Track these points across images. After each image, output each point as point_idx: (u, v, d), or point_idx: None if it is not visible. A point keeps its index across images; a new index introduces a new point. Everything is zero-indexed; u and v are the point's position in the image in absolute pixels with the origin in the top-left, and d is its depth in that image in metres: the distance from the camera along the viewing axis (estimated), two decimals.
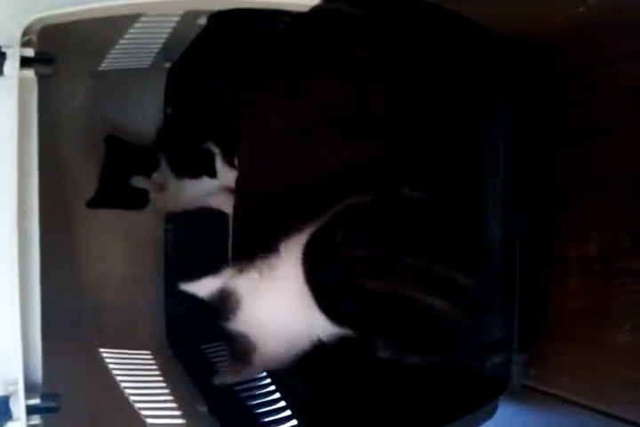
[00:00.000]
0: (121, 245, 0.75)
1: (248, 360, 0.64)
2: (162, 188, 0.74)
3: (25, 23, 0.40)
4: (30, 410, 0.40)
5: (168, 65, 0.75)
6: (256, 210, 0.70)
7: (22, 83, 0.40)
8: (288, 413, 0.67)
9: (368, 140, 0.68)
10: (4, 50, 0.40)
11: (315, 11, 0.48)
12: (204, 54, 0.71)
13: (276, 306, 0.61)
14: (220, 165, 0.76)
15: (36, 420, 0.40)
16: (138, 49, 0.64)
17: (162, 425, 0.60)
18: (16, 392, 0.39)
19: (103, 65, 0.65)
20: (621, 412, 0.50)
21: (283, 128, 0.69)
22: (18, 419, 0.39)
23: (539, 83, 0.58)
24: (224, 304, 0.64)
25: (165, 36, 0.60)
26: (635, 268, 0.49)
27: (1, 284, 0.40)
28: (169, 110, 0.78)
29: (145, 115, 0.76)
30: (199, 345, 0.78)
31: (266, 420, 0.66)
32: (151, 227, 0.78)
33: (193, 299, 0.76)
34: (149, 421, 0.59)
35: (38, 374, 0.41)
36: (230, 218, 0.75)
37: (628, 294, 0.49)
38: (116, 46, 0.60)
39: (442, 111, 0.65)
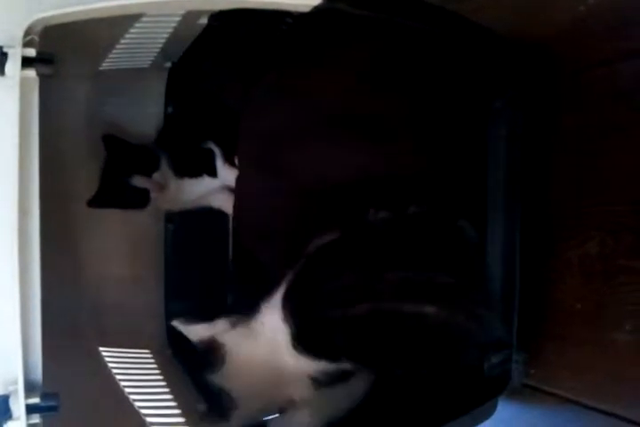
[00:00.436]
0: (121, 245, 0.75)
1: (226, 418, 0.62)
2: (162, 187, 0.74)
3: (27, 23, 0.40)
4: (30, 409, 0.40)
5: (169, 65, 0.75)
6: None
7: (24, 83, 0.40)
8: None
9: (368, 141, 0.68)
10: (5, 50, 0.40)
11: (316, 11, 0.48)
12: (205, 54, 0.71)
13: (262, 365, 0.61)
14: (220, 164, 0.76)
15: (36, 419, 0.40)
16: (139, 49, 0.64)
17: (162, 424, 0.60)
18: (16, 392, 0.39)
19: (104, 65, 0.65)
20: (621, 411, 0.50)
21: (283, 128, 0.70)
22: (18, 418, 0.39)
23: (539, 83, 0.58)
24: (213, 355, 0.64)
25: (166, 35, 0.60)
26: (635, 267, 0.49)
27: (1, 283, 0.40)
28: (170, 110, 0.78)
29: (146, 114, 0.76)
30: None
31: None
32: (151, 226, 0.78)
33: (193, 299, 0.76)
34: (149, 420, 0.59)
35: (38, 373, 0.41)
36: (230, 217, 0.75)
37: (628, 294, 0.49)
38: (117, 46, 0.60)
39: (443, 111, 0.65)
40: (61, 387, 0.41)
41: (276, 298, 0.61)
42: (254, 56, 0.71)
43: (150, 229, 0.78)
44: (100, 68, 0.66)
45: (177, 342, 0.76)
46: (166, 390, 0.66)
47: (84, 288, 0.70)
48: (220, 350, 0.64)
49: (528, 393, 0.60)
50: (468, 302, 0.60)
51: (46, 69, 0.41)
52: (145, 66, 0.70)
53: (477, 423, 0.58)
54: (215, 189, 0.77)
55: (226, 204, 0.76)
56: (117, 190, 0.72)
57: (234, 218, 0.74)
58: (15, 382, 0.39)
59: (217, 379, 0.63)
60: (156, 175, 0.74)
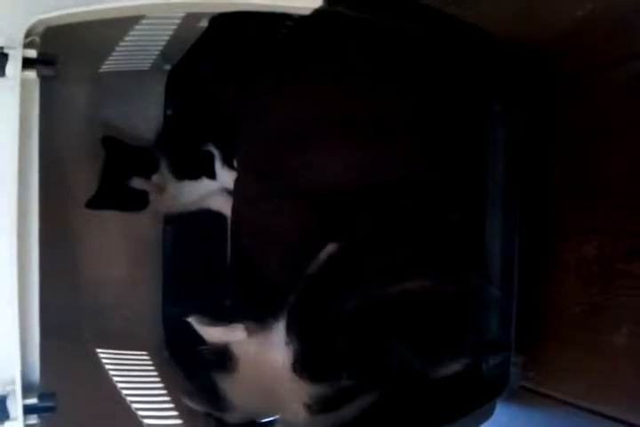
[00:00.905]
0: (120, 247, 0.75)
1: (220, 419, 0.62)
2: (161, 189, 0.75)
3: (28, 25, 0.40)
4: (27, 410, 0.40)
5: (168, 67, 0.75)
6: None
7: (24, 84, 0.40)
8: None
9: (367, 144, 0.68)
10: (6, 51, 0.40)
11: (316, 14, 0.49)
12: (205, 57, 0.71)
13: (263, 377, 0.61)
14: (219, 167, 0.76)
15: (34, 420, 0.40)
16: (139, 51, 0.64)
17: (159, 426, 0.60)
18: (13, 392, 0.39)
19: (104, 67, 0.65)
20: (619, 414, 0.50)
21: (282, 131, 0.70)
22: (15, 419, 0.39)
23: (538, 86, 0.58)
24: (225, 358, 0.64)
25: (166, 38, 0.60)
26: (633, 270, 0.49)
27: (0, 284, 0.40)
28: (169, 112, 0.78)
29: (145, 116, 0.77)
30: (196, 346, 0.78)
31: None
32: (150, 228, 0.78)
33: (191, 301, 0.76)
34: (146, 421, 0.59)
35: (36, 373, 0.41)
36: (229, 220, 0.75)
37: (626, 297, 0.50)
38: (118, 48, 0.60)
39: (442, 115, 0.65)
40: (59, 388, 0.41)
41: (280, 320, 0.61)
42: (254, 59, 0.71)
43: (149, 231, 0.78)
44: (101, 70, 0.66)
45: (174, 344, 0.76)
46: (163, 391, 0.66)
47: (83, 289, 0.70)
48: (228, 355, 0.64)
49: (526, 396, 0.60)
50: (467, 303, 0.60)
51: (47, 71, 0.41)
52: (145, 68, 0.70)
53: (475, 426, 0.58)
54: (214, 191, 0.77)
55: (224, 206, 0.76)
56: (116, 192, 0.72)
57: (232, 220, 0.75)
58: (13, 383, 0.39)
59: (217, 381, 0.63)
60: (154, 177, 0.74)
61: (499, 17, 0.56)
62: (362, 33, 0.62)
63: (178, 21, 0.56)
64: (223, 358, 0.64)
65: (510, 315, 0.58)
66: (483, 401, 0.58)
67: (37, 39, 0.41)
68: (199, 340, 0.78)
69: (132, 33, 0.56)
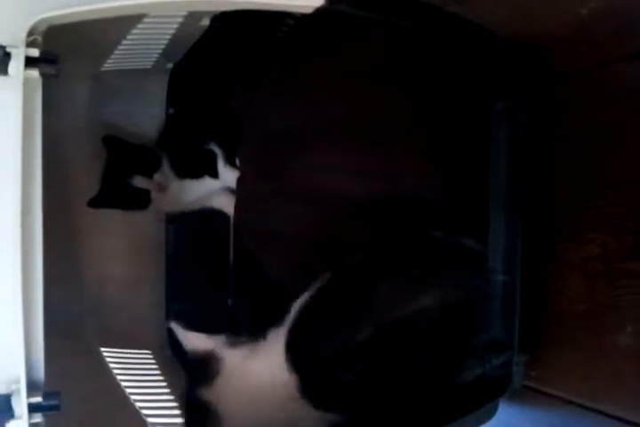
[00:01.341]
0: (123, 246, 0.75)
1: None
2: (163, 188, 0.75)
3: (30, 23, 0.40)
4: (32, 408, 0.40)
5: (170, 66, 0.75)
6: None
7: (27, 82, 0.40)
8: None
9: (369, 142, 0.68)
10: (9, 50, 0.40)
11: (318, 12, 0.48)
12: (207, 55, 0.71)
13: (255, 391, 0.61)
14: (221, 165, 0.76)
15: (38, 418, 0.40)
16: (141, 50, 0.64)
17: (162, 424, 0.60)
18: (18, 391, 0.39)
19: (106, 65, 0.65)
20: (623, 413, 0.50)
21: (284, 130, 0.70)
22: (20, 417, 0.39)
23: (540, 85, 0.58)
24: (208, 367, 0.63)
25: (168, 37, 0.60)
26: (637, 269, 0.49)
27: (4, 283, 0.40)
28: (171, 111, 0.78)
29: (147, 115, 0.77)
30: None
31: None
32: (152, 227, 0.78)
33: (193, 300, 0.76)
34: (150, 420, 0.59)
35: (40, 372, 0.41)
36: (231, 219, 0.75)
37: (630, 296, 0.49)
38: (120, 47, 0.60)
39: (444, 113, 0.65)
40: (63, 386, 0.41)
41: (280, 337, 0.61)
42: (256, 57, 0.71)
43: (152, 231, 0.78)
44: (103, 69, 0.66)
45: (177, 343, 0.76)
46: (166, 390, 0.66)
47: (86, 288, 0.71)
48: (214, 365, 0.63)
49: (529, 395, 0.59)
50: (469, 304, 0.60)
51: (49, 69, 0.41)
52: (147, 67, 0.70)
53: (478, 425, 0.58)
54: (216, 190, 0.77)
55: (227, 205, 0.76)
56: (118, 191, 0.72)
57: (235, 219, 0.75)
58: (17, 382, 0.39)
59: (204, 391, 0.62)
60: (156, 176, 0.75)
61: (501, 15, 0.56)
62: (363, 32, 0.62)
63: (180, 20, 0.56)
64: (204, 365, 0.64)
65: (513, 314, 0.58)
66: (486, 400, 0.58)
67: (40, 38, 0.41)
68: None
69: (134, 32, 0.56)
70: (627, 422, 0.49)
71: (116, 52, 0.61)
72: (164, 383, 0.67)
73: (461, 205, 0.65)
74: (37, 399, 0.40)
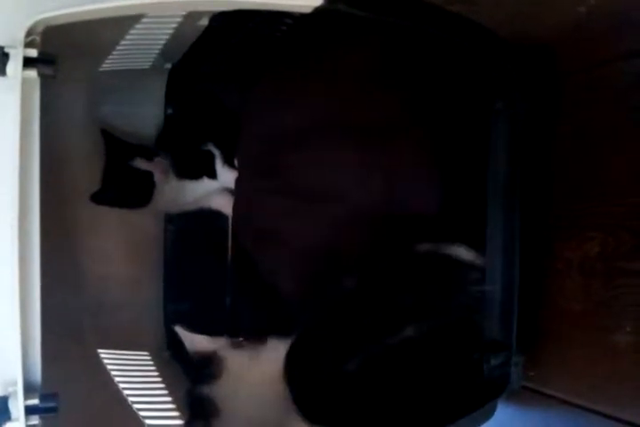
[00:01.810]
0: (121, 246, 0.75)
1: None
2: (166, 171, 0.74)
3: (28, 24, 0.40)
4: (29, 410, 0.39)
5: (169, 66, 0.75)
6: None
7: (25, 83, 0.40)
8: None
9: (368, 142, 0.68)
10: (7, 50, 0.40)
11: (316, 12, 0.48)
12: (206, 56, 0.71)
13: (253, 395, 0.61)
14: (219, 166, 0.76)
15: (35, 420, 0.40)
16: (139, 50, 0.64)
17: (160, 426, 0.60)
18: (15, 393, 0.39)
19: (104, 66, 0.65)
20: (621, 413, 0.50)
21: (283, 130, 0.70)
22: (17, 419, 0.39)
23: (540, 84, 0.58)
24: (209, 368, 0.64)
25: (166, 37, 0.60)
26: (636, 268, 0.49)
27: (1, 283, 0.40)
28: (169, 111, 0.78)
29: (146, 116, 0.76)
30: None
31: None
32: (151, 228, 0.78)
33: (192, 301, 0.76)
34: (148, 422, 0.59)
35: (37, 374, 0.41)
36: (230, 219, 0.75)
37: (629, 295, 0.49)
38: (118, 47, 0.60)
39: (444, 112, 0.65)
40: (60, 388, 0.41)
41: (281, 345, 0.61)
42: (255, 57, 0.71)
43: (150, 231, 0.78)
44: (101, 69, 0.66)
45: (175, 344, 0.76)
46: (165, 392, 0.66)
47: (84, 289, 0.70)
48: (216, 366, 0.64)
49: (527, 395, 0.59)
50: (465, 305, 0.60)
51: (48, 70, 0.41)
52: (145, 67, 0.70)
53: (477, 425, 0.58)
54: (215, 190, 0.77)
55: (225, 205, 0.76)
56: (120, 185, 0.72)
57: (233, 220, 0.74)
58: (14, 384, 0.39)
59: (204, 392, 0.63)
60: (156, 175, 0.75)
61: (500, 14, 0.56)
62: (362, 32, 0.62)
63: (178, 20, 0.56)
64: (207, 365, 0.64)
65: (511, 314, 0.58)
66: (484, 401, 0.58)
67: (38, 38, 0.41)
68: None
69: (132, 32, 0.56)
70: (626, 422, 0.49)
71: (114, 52, 0.61)
72: (162, 385, 0.66)
73: (460, 204, 0.65)
74: (34, 401, 0.40)
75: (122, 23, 0.53)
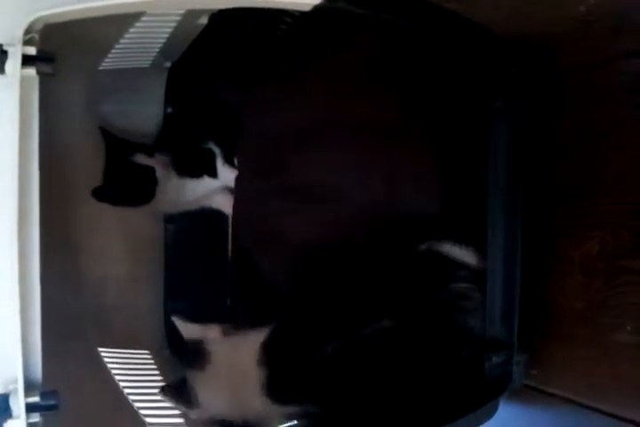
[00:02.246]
0: (121, 245, 0.75)
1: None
2: (167, 167, 0.74)
3: (27, 22, 0.40)
4: (30, 408, 0.39)
5: (168, 64, 0.75)
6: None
7: (24, 81, 0.40)
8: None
9: (367, 141, 0.68)
10: (5, 48, 0.40)
11: (316, 10, 0.48)
12: (205, 54, 0.71)
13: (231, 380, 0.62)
14: (220, 165, 0.76)
15: (36, 418, 0.40)
16: (139, 48, 0.64)
17: (160, 424, 0.60)
18: (16, 390, 0.39)
19: (104, 64, 0.65)
20: (622, 411, 0.50)
21: (283, 128, 0.70)
22: (17, 417, 0.39)
23: (540, 82, 0.58)
24: (200, 352, 0.64)
25: (166, 35, 0.60)
26: (637, 267, 0.49)
27: (1, 282, 0.40)
28: (169, 110, 0.78)
29: (145, 114, 0.76)
30: None
31: None
32: (151, 227, 0.78)
33: (192, 300, 0.76)
34: (148, 420, 0.59)
35: (38, 372, 0.41)
36: (230, 218, 0.75)
37: (630, 294, 0.49)
38: (117, 45, 0.60)
39: (443, 110, 0.65)
40: (61, 386, 0.41)
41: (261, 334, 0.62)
42: (254, 56, 0.71)
43: (150, 230, 0.78)
44: (100, 67, 0.66)
45: (175, 343, 0.76)
46: None
47: (84, 288, 0.70)
48: (205, 353, 0.64)
49: (529, 394, 0.59)
50: (467, 304, 0.60)
51: (46, 68, 0.41)
52: (145, 65, 0.70)
53: (478, 424, 0.58)
54: (215, 189, 0.77)
55: (225, 204, 0.75)
56: (122, 182, 0.72)
57: (233, 219, 0.74)
58: (15, 381, 0.39)
59: (191, 378, 0.63)
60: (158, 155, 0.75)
61: (500, 12, 0.56)
62: (362, 30, 0.62)
63: (178, 18, 0.56)
64: (197, 355, 0.64)
65: (513, 313, 0.58)
66: (486, 400, 0.58)
67: (37, 36, 0.41)
68: None
69: (131, 30, 0.56)
70: (627, 420, 0.49)
71: (113, 50, 0.61)
72: (162, 383, 0.66)
73: (461, 203, 0.65)
74: (35, 399, 0.40)
75: (121, 21, 0.53)
